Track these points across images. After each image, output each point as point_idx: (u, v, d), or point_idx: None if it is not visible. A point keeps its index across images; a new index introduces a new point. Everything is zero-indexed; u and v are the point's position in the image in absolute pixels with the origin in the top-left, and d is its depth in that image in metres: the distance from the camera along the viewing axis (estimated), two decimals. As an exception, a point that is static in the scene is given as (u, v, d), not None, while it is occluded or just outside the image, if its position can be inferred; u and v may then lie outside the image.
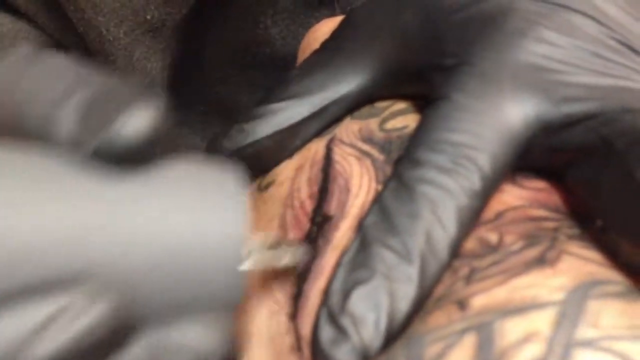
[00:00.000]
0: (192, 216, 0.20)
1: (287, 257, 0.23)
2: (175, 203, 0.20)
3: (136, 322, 0.19)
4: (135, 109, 0.19)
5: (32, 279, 0.17)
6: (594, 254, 0.22)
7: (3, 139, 0.20)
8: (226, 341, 0.20)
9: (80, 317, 0.17)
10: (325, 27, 0.35)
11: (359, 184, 0.26)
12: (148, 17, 0.42)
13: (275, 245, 0.22)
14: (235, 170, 0.21)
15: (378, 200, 0.23)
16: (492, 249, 0.22)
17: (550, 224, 0.23)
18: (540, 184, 0.25)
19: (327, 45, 0.30)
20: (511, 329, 0.20)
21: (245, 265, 0.20)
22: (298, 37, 0.45)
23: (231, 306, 0.20)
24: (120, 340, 0.18)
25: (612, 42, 0.24)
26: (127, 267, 0.18)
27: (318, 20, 0.44)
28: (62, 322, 0.17)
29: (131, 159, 0.19)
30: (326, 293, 0.22)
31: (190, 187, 0.20)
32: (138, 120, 0.19)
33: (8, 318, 0.17)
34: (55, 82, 0.20)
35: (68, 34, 0.43)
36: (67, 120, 0.19)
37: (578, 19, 0.24)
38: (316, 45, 0.32)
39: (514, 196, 0.24)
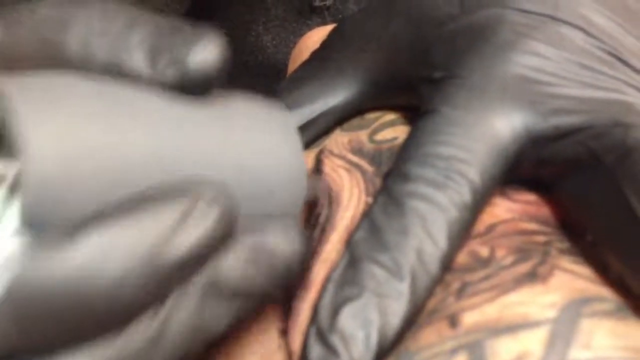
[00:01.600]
0: (267, 135, 0.22)
1: (319, 185, 0.25)
2: (252, 124, 0.22)
3: (235, 224, 0.20)
4: (203, 42, 0.20)
5: (155, 185, 0.19)
6: (585, 269, 0.22)
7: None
8: (305, 242, 0.21)
9: (205, 217, 0.19)
10: (316, 36, 0.35)
11: (348, 196, 0.26)
12: None
13: None
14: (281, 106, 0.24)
15: (367, 216, 0.23)
16: (484, 263, 0.22)
17: (541, 238, 0.23)
18: (530, 196, 0.24)
19: (316, 56, 0.30)
20: (503, 349, 0.19)
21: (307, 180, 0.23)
22: (290, 45, 0.45)
23: (297, 214, 0.23)
24: (227, 243, 0.20)
25: (602, 54, 0.24)
26: (224, 175, 0.20)
27: (310, 27, 0.44)
28: (192, 221, 0.19)
29: (202, 90, 0.20)
30: (315, 310, 0.22)
31: (257, 113, 0.22)
32: (207, 54, 0.20)
33: (146, 216, 0.18)
34: (113, 18, 0.20)
35: None
36: (135, 56, 0.20)
37: (567, 31, 0.24)
38: (308, 53, 0.32)
39: (504, 209, 0.24)
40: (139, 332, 0.19)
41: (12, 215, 0.17)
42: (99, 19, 0.20)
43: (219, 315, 0.20)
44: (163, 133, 0.20)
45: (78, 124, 0.18)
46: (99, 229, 0.18)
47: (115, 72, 0.20)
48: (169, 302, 0.19)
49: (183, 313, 0.19)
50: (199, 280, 0.19)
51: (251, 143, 0.21)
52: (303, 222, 0.26)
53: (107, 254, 0.18)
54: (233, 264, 0.20)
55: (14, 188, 0.18)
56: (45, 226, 0.18)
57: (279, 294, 0.21)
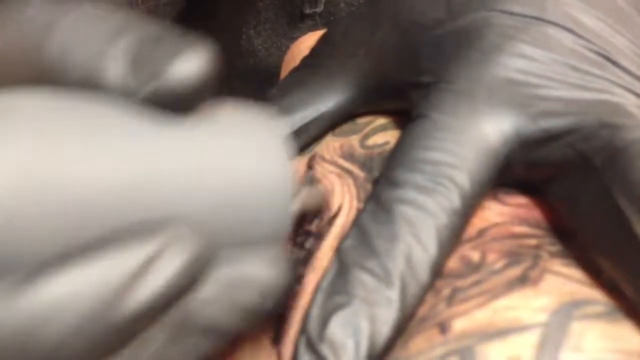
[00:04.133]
0: (249, 158, 0.21)
1: (315, 197, 0.24)
2: (233, 146, 0.20)
3: (209, 261, 0.19)
4: (186, 54, 0.19)
5: (122, 224, 0.18)
6: (576, 272, 0.22)
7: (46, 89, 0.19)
8: (286, 271, 0.21)
9: (172, 261, 0.18)
10: (308, 41, 0.35)
11: (340, 202, 0.26)
12: None
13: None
14: (271, 115, 0.22)
15: (357, 223, 0.23)
16: (475, 268, 0.22)
17: (532, 241, 0.23)
18: (521, 199, 0.24)
19: (305, 62, 0.30)
20: (493, 354, 0.19)
21: (294, 202, 0.22)
22: (281, 48, 0.45)
23: (281, 240, 0.22)
24: (199, 279, 0.19)
25: (590, 54, 0.24)
26: (199, 208, 0.19)
27: (302, 31, 0.44)
28: (157, 266, 0.18)
29: (184, 104, 0.19)
30: (305, 319, 0.21)
31: (242, 131, 0.21)
32: (190, 67, 0.19)
33: (107, 261, 0.17)
34: (97, 25, 0.20)
35: None
36: (115, 67, 0.19)
37: (554, 32, 0.24)
38: (300, 58, 0.32)
39: (495, 213, 0.24)
40: None
41: None
42: (83, 24, 0.20)
43: (187, 352, 0.19)
44: (136, 160, 0.18)
45: (44, 151, 0.17)
46: (57, 277, 0.17)
47: (93, 83, 0.19)
48: (133, 344, 0.18)
49: (147, 353, 0.18)
50: (167, 321, 0.18)
51: (234, 166, 0.20)
52: (295, 231, 0.26)
53: (61, 304, 0.17)
54: (206, 298, 0.19)
55: None
56: (7, 267, 0.17)
57: (254, 327, 0.20)
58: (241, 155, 0.20)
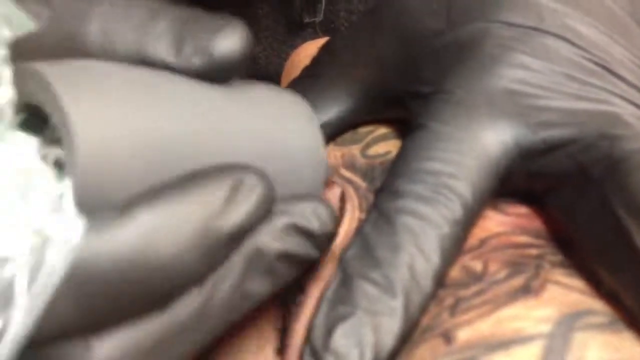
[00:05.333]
0: (290, 121, 0.23)
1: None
2: (276, 110, 0.23)
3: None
4: (226, 31, 0.21)
5: (198, 166, 0.20)
6: (577, 282, 0.22)
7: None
8: (332, 217, 0.22)
9: (251, 193, 0.20)
10: (308, 50, 0.35)
11: (342, 212, 0.26)
12: None
13: None
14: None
15: (359, 233, 0.23)
16: (477, 277, 0.22)
17: (534, 251, 0.23)
18: (521, 209, 0.25)
19: (306, 72, 0.30)
20: None
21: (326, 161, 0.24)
22: (281, 56, 0.45)
23: (319, 192, 0.24)
24: (267, 217, 0.21)
25: (588, 64, 0.24)
26: (256, 160, 0.21)
27: (302, 38, 0.44)
28: (240, 196, 0.19)
29: (227, 77, 0.21)
30: (309, 329, 0.22)
31: (280, 99, 0.23)
32: (231, 42, 0.20)
33: (200, 190, 0.19)
34: (131, 14, 0.21)
35: None
36: (159, 46, 0.21)
37: (552, 42, 0.24)
38: (300, 66, 0.32)
39: (496, 222, 0.24)
40: (186, 305, 0.19)
41: (67, 196, 0.18)
42: (119, 9, 0.21)
43: (260, 285, 0.21)
44: (196, 116, 0.20)
45: (117, 108, 0.19)
46: (149, 208, 0.18)
47: (139, 60, 0.20)
48: (214, 275, 0.19)
49: (226, 284, 0.20)
50: (242, 252, 0.20)
51: (278, 127, 0.22)
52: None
53: (160, 232, 0.18)
54: (272, 236, 0.21)
55: (62, 170, 0.18)
56: (95, 208, 0.18)
57: (316, 259, 0.22)
58: (285, 117, 0.23)
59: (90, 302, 0.17)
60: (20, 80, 0.18)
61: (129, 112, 0.19)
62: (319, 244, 0.22)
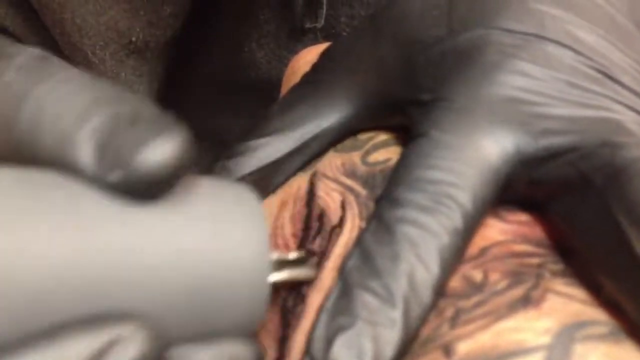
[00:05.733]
0: (220, 235, 0.20)
1: (303, 271, 0.23)
2: (203, 225, 0.20)
3: (169, 346, 0.19)
4: (156, 142, 0.18)
5: (72, 315, 0.17)
6: (578, 291, 0.22)
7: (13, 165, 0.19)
8: (258, 354, 0.20)
9: (129, 350, 0.17)
10: (309, 56, 0.35)
11: (342, 221, 0.26)
12: (133, 39, 0.42)
13: (294, 259, 0.23)
14: (249, 188, 0.22)
15: (359, 242, 0.23)
16: (477, 288, 0.22)
17: (534, 260, 0.23)
18: (522, 217, 0.24)
19: (306, 79, 0.30)
20: None
21: (271, 278, 0.21)
22: (283, 61, 0.45)
23: (256, 321, 0.21)
24: None
25: (590, 71, 0.24)
26: (162, 294, 0.19)
27: (303, 44, 0.44)
28: (113, 355, 0.17)
29: (153, 191, 0.19)
30: (309, 340, 0.21)
31: (212, 207, 0.20)
32: (160, 156, 0.18)
33: (62, 349, 0.17)
34: (71, 98, 0.19)
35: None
36: (83, 150, 0.18)
37: (554, 49, 0.24)
38: (300, 73, 0.32)
39: (497, 231, 0.24)
40: None
41: None
42: (55, 98, 0.19)
43: None
44: (93, 248, 0.18)
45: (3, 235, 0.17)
46: None
47: (62, 165, 0.19)
48: None
49: None
50: None
51: (204, 253, 0.19)
52: (298, 250, 0.26)
53: None
54: None
55: None
56: None
57: None
58: (212, 241, 0.20)
59: None
60: None
61: (8, 237, 0.17)
62: None
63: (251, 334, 0.21)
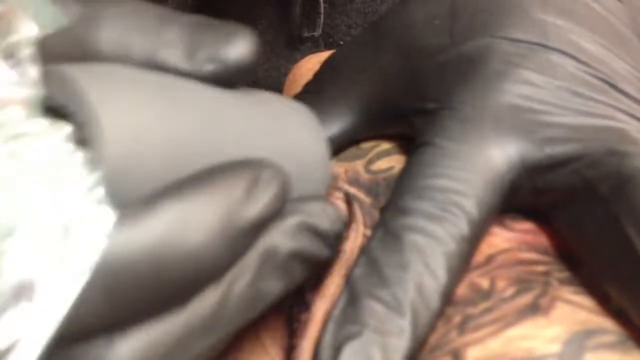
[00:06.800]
0: (299, 126, 0.24)
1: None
2: (284, 113, 0.23)
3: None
4: (236, 39, 0.21)
5: (217, 161, 0.20)
6: (586, 300, 0.22)
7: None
8: (339, 218, 0.22)
9: (269, 186, 0.20)
10: (309, 64, 0.35)
11: (347, 228, 0.26)
12: None
13: None
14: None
15: (366, 251, 0.23)
16: (485, 294, 0.22)
17: (541, 268, 0.23)
18: (528, 225, 0.24)
19: (308, 88, 0.30)
20: None
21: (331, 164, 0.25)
22: (281, 70, 0.45)
23: (324, 194, 0.24)
24: (281, 213, 0.21)
25: (593, 80, 0.24)
26: (275, 159, 0.21)
27: (301, 53, 0.44)
28: (259, 189, 0.20)
29: (237, 82, 0.22)
30: (316, 349, 0.21)
31: (287, 105, 0.24)
32: (242, 49, 0.21)
33: (222, 182, 0.19)
34: (142, 20, 0.21)
35: None
36: (173, 52, 0.21)
37: (557, 58, 0.24)
38: (301, 81, 0.32)
39: (503, 239, 0.24)
40: (204, 303, 0.19)
41: (98, 189, 0.18)
42: (130, 16, 0.21)
43: (274, 283, 0.21)
44: (213, 117, 0.21)
45: (140, 108, 0.19)
46: (176, 199, 0.18)
47: (152, 66, 0.21)
48: (230, 272, 0.19)
49: (242, 282, 0.20)
50: (257, 250, 0.20)
51: (287, 129, 0.23)
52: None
53: (187, 221, 0.18)
54: (284, 235, 0.21)
55: (90, 166, 0.18)
56: (123, 202, 0.18)
57: (326, 258, 0.22)
58: (293, 121, 0.23)
59: (120, 295, 0.17)
60: (44, 80, 0.19)
61: (152, 112, 0.19)
62: (329, 243, 0.22)
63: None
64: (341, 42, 0.43)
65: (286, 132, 0.23)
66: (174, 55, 0.21)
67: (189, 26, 0.21)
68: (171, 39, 0.21)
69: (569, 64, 0.24)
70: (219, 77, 0.21)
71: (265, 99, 0.23)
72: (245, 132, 0.21)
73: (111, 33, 0.21)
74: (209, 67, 0.21)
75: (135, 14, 0.21)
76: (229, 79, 0.21)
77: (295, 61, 0.39)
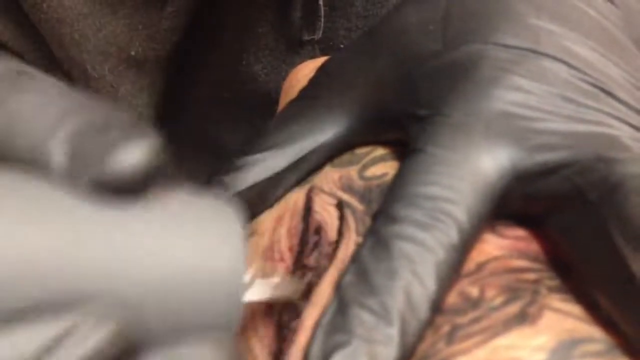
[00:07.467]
0: (194, 243, 0.20)
1: (284, 289, 0.23)
2: (177, 230, 0.20)
3: (140, 343, 0.19)
4: (128, 146, 0.19)
5: (39, 298, 0.17)
6: (574, 308, 0.22)
7: None
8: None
9: (88, 338, 0.17)
10: (307, 69, 0.35)
11: (338, 236, 0.26)
12: (132, 53, 0.42)
13: (274, 278, 0.23)
14: (232, 201, 0.22)
15: (355, 259, 0.23)
16: (474, 304, 0.22)
17: (531, 276, 0.23)
18: (519, 232, 0.24)
19: (304, 93, 0.30)
20: None
21: (247, 295, 0.21)
22: (281, 73, 0.45)
23: (231, 329, 0.21)
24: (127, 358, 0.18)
25: (585, 86, 0.24)
26: (131, 290, 0.19)
27: (301, 56, 0.44)
28: (70, 343, 0.17)
29: (127, 191, 0.19)
30: (305, 358, 0.21)
31: (191, 216, 0.20)
32: (131, 158, 0.19)
33: (15, 337, 0.17)
34: (45, 107, 0.20)
35: (53, 72, 0.43)
36: (58, 152, 0.19)
37: (549, 64, 0.24)
38: (298, 87, 0.32)
39: (494, 246, 0.24)
40: None
41: None
42: (31, 104, 0.20)
43: None
44: (66, 236, 0.18)
45: None
46: None
47: (39, 166, 0.19)
48: None
49: None
50: None
51: (177, 251, 0.20)
52: (294, 264, 0.26)
53: None
54: None
55: None
56: None
57: None
58: (187, 241, 0.20)
59: None
60: None
61: None
62: None
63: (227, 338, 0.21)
64: (341, 46, 0.43)
65: (176, 255, 0.20)
66: (55, 159, 0.19)
67: (86, 125, 0.19)
68: (59, 138, 0.19)
69: (561, 70, 0.24)
70: (99, 187, 0.19)
71: (167, 209, 0.20)
72: (111, 255, 0.19)
73: (6, 122, 0.19)
74: (85, 176, 0.19)
75: (38, 101, 0.20)
76: (115, 189, 0.19)
77: (296, 65, 0.39)
